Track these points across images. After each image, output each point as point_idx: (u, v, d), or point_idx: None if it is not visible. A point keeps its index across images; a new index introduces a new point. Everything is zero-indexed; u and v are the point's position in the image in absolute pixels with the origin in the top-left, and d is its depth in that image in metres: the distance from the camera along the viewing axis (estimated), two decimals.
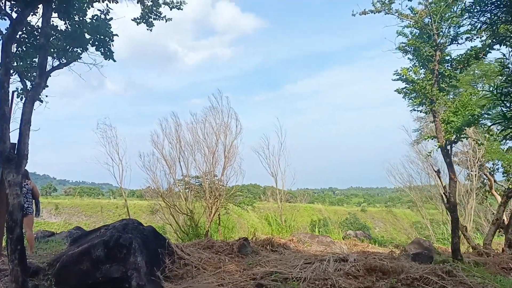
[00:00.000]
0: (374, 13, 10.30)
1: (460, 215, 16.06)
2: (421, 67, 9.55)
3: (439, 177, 10.19)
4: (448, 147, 9.09)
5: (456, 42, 8.91)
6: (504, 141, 11.41)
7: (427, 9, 9.38)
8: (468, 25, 8.55)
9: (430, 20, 9.17)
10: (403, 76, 9.59)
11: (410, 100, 9.85)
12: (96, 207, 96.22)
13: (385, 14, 10.09)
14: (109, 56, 6.41)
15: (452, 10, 8.79)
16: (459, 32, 8.76)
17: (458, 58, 8.91)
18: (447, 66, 9.12)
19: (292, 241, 9.96)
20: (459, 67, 9.05)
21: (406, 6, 9.80)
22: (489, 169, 15.84)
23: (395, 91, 9.87)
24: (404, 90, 9.53)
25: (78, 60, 6.75)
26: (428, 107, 9.27)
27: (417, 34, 9.44)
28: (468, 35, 8.71)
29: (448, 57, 9.15)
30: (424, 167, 17.31)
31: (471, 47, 8.80)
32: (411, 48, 9.68)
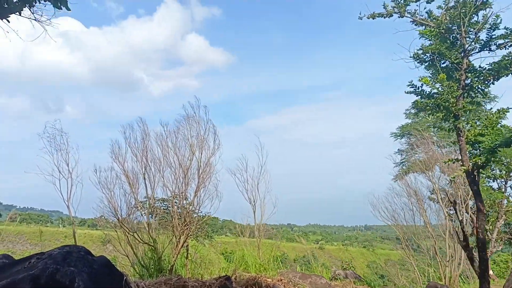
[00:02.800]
0: (384, 17, 8.87)
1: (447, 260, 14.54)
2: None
3: (456, 209, 8.58)
4: (475, 173, 7.52)
5: (488, 49, 7.51)
6: None
7: (447, 13, 8.04)
8: (504, 29, 7.23)
9: (454, 24, 7.79)
10: (421, 86, 8.09)
11: (431, 115, 8.31)
12: (43, 235, 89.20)
13: (399, 17, 8.68)
14: (61, 3, 4.40)
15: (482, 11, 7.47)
16: (493, 36, 7.37)
17: (491, 67, 7.48)
18: (475, 77, 7.66)
19: (282, 282, 7.93)
20: (489, 78, 7.62)
21: (424, 8, 8.45)
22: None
23: (412, 103, 8.33)
24: (423, 102, 7.97)
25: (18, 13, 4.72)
26: (451, 123, 7.72)
27: (438, 39, 8.04)
28: (502, 41, 7.33)
29: (477, 67, 7.72)
30: (410, 201, 15.87)
31: (503, 55, 7.43)
32: (429, 56, 8.24)
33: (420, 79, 8.07)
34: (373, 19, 9.04)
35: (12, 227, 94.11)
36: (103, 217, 9.82)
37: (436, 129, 17.39)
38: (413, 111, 18.79)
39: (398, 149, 19.54)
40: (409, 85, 8.41)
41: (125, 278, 5.44)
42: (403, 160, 19.30)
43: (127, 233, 9.63)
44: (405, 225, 16.62)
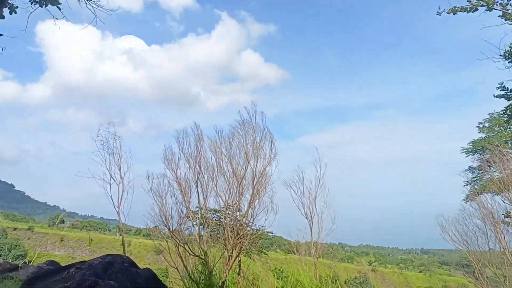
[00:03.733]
0: (468, 11, 7.76)
1: None
2: None
3: None
4: None
5: None
6: None
7: None
8: None
9: None
10: None
11: None
12: (101, 242, 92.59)
13: (486, 11, 7.55)
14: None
15: None
16: None
17: None
18: None
19: None
20: None
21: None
22: None
23: (505, 108, 7.15)
24: None
25: None
26: None
27: None
28: None
29: None
30: (485, 224, 14.10)
31: None
32: None
33: None
34: (454, 14, 7.96)
35: (73, 233, 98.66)
36: (157, 227, 9.30)
37: None
38: (487, 124, 17.04)
39: (470, 166, 17.71)
40: (499, 88, 7.22)
41: None
42: (475, 179, 17.47)
43: (177, 244, 9.06)
44: (478, 251, 14.77)
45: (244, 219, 9.49)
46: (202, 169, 9.25)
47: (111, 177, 8.57)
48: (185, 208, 9.23)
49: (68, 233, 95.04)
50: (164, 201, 9.27)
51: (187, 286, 9.20)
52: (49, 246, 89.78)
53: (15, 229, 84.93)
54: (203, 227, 9.65)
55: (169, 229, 9.10)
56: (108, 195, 8.48)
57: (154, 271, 4.95)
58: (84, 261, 4.82)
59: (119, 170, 8.64)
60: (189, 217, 9.44)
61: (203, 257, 9.05)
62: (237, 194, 9.34)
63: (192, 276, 9.22)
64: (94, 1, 5.02)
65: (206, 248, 9.33)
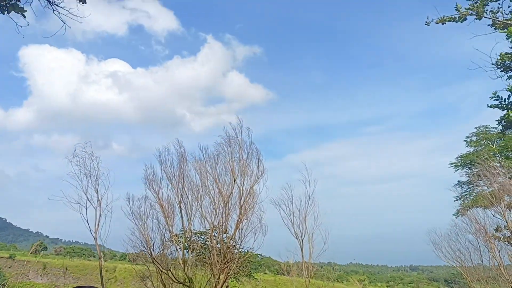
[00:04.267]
0: (457, 21, 7.53)
1: None
2: None
3: None
4: None
5: None
6: None
7: None
8: None
9: None
10: (509, 97, 6.60)
11: None
12: (86, 269, 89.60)
13: (476, 19, 7.33)
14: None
15: None
16: None
17: None
18: None
19: None
20: None
21: (509, 7, 7.07)
22: None
23: (501, 118, 6.82)
24: None
25: None
26: None
27: None
28: None
29: None
30: (477, 239, 13.71)
31: None
32: None
33: (510, 87, 6.61)
34: (443, 24, 7.74)
35: (57, 260, 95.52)
36: (140, 252, 8.64)
37: (503, 157, 15.32)
38: (474, 138, 16.85)
39: (459, 181, 17.44)
40: (492, 97, 6.93)
41: None
42: (465, 193, 17.16)
43: (160, 271, 8.42)
44: (472, 266, 14.34)
45: (231, 241, 8.92)
46: (186, 189, 8.71)
47: (88, 200, 7.94)
48: (168, 232, 8.63)
49: (51, 260, 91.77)
50: (145, 225, 8.69)
51: None
52: (31, 274, 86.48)
53: None
54: (188, 251, 9.04)
55: (151, 254, 8.47)
56: (84, 219, 7.83)
57: None
58: None
59: (96, 192, 8.03)
60: (173, 241, 8.82)
61: (187, 284, 8.41)
62: (224, 215, 8.81)
63: None
64: (62, 7, 4.53)
65: (192, 273, 8.70)
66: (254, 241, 8.62)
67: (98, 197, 7.95)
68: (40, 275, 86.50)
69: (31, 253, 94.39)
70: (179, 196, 8.47)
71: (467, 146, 17.44)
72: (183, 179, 8.52)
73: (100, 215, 7.98)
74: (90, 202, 7.87)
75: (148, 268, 8.48)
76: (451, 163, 17.47)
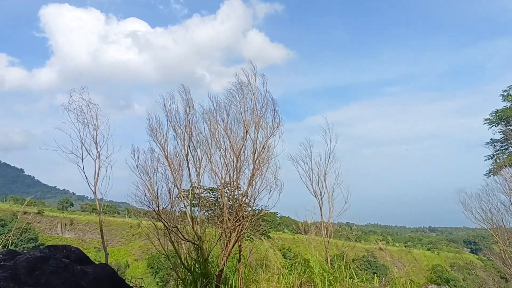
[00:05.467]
0: None
1: None
2: None
3: None
4: None
5: None
6: None
7: None
8: None
9: None
10: None
11: None
12: (110, 225, 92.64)
13: None
14: None
15: None
16: None
17: None
18: None
19: None
20: None
21: None
22: None
23: None
24: None
25: None
26: None
27: None
28: None
29: None
30: (510, 199, 12.65)
31: None
32: None
33: None
34: None
35: (83, 216, 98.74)
36: (138, 208, 8.01)
37: None
38: None
39: (491, 139, 16.15)
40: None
41: None
42: (498, 152, 15.93)
43: (167, 228, 7.76)
44: (504, 228, 13.34)
45: (244, 198, 8.14)
46: (194, 141, 7.87)
47: (86, 150, 7.21)
48: (175, 187, 7.89)
49: (78, 217, 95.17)
50: (152, 180, 7.94)
51: (179, 275, 7.94)
52: (59, 229, 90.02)
53: (25, 213, 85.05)
54: (198, 208, 8.34)
55: (157, 210, 7.79)
56: (81, 170, 7.13)
57: (113, 268, 3.62)
58: (18, 253, 3.49)
59: (95, 142, 7.28)
60: (181, 197, 8.11)
61: (196, 243, 7.76)
62: (236, 170, 7.98)
63: (185, 264, 7.95)
64: None
65: (201, 231, 8.04)
66: (269, 198, 7.80)
67: (96, 148, 7.22)
68: (68, 230, 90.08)
69: (59, 209, 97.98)
70: (186, 149, 7.64)
71: (504, 101, 16.00)
72: (190, 129, 7.67)
73: (100, 167, 7.28)
74: (88, 153, 7.16)
75: (155, 225, 7.82)
76: (486, 120, 16.11)
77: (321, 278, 8.88)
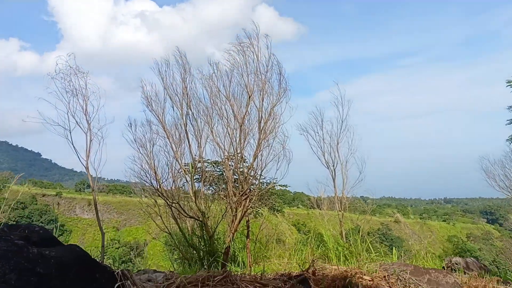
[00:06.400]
0: None
1: None
2: None
3: None
4: None
5: None
6: None
7: None
8: None
9: None
10: None
11: None
12: (127, 205, 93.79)
13: None
14: None
15: None
16: None
17: None
18: None
19: (387, 280, 5.01)
20: None
21: None
22: None
23: None
24: None
25: None
26: None
27: None
28: None
29: None
30: None
31: None
32: None
33: None
34: None
35: (100, 197, 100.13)
36: (136, 183, 7.46)
37: None
38: None
39: None
40: None
41: None
42: None
43: (169, 204, 7.21)
44: None
45: (250, 171, 7.50)
46: (193, 110, 7.19)
47: (77, 123, 6.60)
48: (175, 160, 7.28)
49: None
50: (151, 154, 7.35)
51: (184, 254, 7.43)
52: (78, 210, 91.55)
53: (44, 195, 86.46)
54: (200, 182, 7.74)
55: (158, 186, 7.23)
56: (70, 142, 6.53)
57: (84, 250, 3.03)
58: None
59: (85, 114, 6.67)
60: (182, 171, 7.51)
61: (200, 219, 7.19)
62: (240, 140, 7.32)
63: (190, 241, 7.42)
64: None
65: (205, 207, 7.45)
66: (277, 170, 7.13)
67: (87, 119, 6.60)
68: (86, 211, 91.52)
69: (77, 191, 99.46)
70: (184, 118, 6.98)
71: None
72: (188, 97, 6.98)
73: (91, 140, 6.68)
74: (78, 125, 6.54)
75: (156, 202, 7.27)
76: (508, 82, 15.04)
77: (335, 253, 8.29)
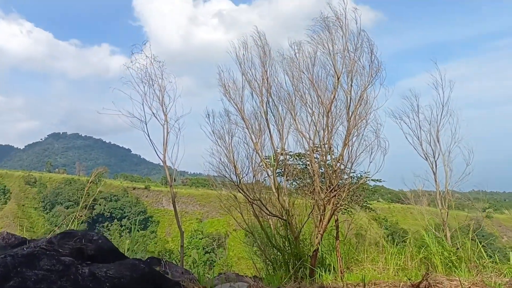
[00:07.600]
0: None
1: None
2: None
3: None
4: None
5: None
6: None
7: None
8: None
9: None
10: None
11: None
12: (209, 197, 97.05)
13: None
14: None
15: None
16: None
17: None
18: None
19: None
20: None
21: None
22: None
23: None
24: None
25: None
26: None
27: None
28: None
29: None
30: None
31: None
32: None
33: None
34: None
35: (185, 190, 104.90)
36: (214, 177, 6.89)
37: None
38: None
39: None
40: None
41: None
42: None
43: (250, 202, 6.54)
44: None
45: (339, 164, 6.54)
46: (274, 97, 6.40)
47: (154, 115, 6.17)
48: (255, 153, 6.56)
49: (180, 190, 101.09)
50: (230, 146, 6.72)
51: (267, 256, 6.71)
52: (165, 202, 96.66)
53: (134, 188, 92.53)
54: (283, 177, 6.95)
55: (238, 181, 6.57)
56: (146, 135, 6.11)
57: (151, 267, 2.35)
58: (29, 239, 2.39)
59: (162, 105, 6.21)
60: (263, 164, 6.78)
61: (284, 218, 6.40)
62: (326, 129, 6.38)
63: (273, 242, 6.68)
64: None
65: (288, 205, 6.65)
66: (371, 162, 6.08)
67: (163, 110, 6.13)
68: (171, 203, 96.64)
69: (163, 184, 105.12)
70: (265, 106, 6.21)
71: None
72: (268, 82, 6.20)
73: (168, 132, 6.20)
74: (155, 116, 6.10)
75: (236, 197, 6.62)
76: None
77: (440, 259, 7.02)
